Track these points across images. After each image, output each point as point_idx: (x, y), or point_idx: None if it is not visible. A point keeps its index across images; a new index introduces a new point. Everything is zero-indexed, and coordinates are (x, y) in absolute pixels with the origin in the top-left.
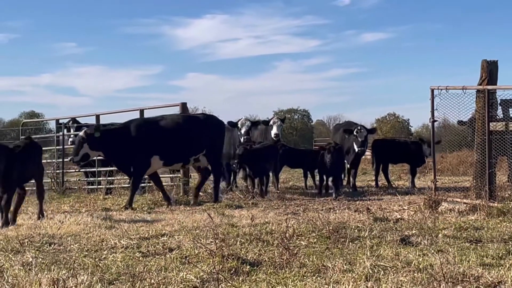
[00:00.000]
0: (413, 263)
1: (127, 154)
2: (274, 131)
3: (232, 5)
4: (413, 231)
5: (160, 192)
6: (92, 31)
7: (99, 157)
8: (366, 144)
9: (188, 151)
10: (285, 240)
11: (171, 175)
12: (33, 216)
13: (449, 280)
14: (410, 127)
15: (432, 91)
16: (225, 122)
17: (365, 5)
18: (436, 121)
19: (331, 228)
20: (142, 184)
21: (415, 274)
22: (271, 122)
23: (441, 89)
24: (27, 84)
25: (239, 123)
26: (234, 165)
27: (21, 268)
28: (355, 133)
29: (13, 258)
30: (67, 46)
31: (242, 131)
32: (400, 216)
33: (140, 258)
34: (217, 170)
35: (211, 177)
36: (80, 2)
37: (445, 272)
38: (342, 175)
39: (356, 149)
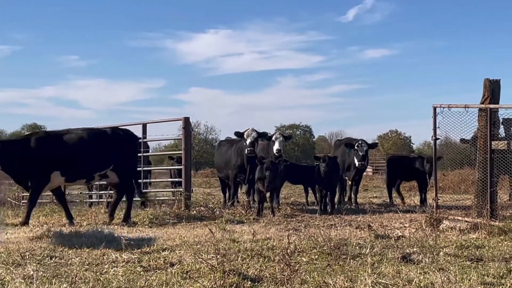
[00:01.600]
0: (414, 281)
1: (26, 168)
2: (276, 146)
3: (236, 20)
4: (414, 249)
5: (158, 208)
6: (95, 44)
7: None
8: (367, 159)
9: (92, 167)
10: (287, 256)
11: (172, 189)
12: (34, 228)
13: None
14: (412, 144)
15: (435, 109)
16: (232, 134)
17: (368, 21)
18: (438, 139)
19: (332, 244)
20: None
21: None
22: (273, 138)
23: (444, 107)
24: (29, 97)
25: (245, 133)
26: (240, 178)
27: (22, 281)
28: (356, 147)
29: (14, 271)
30: (70, 59)
31: (247, 141)
32: (401, 234)
33: (141, 272)
34: (124, 187)
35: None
36: (83, 15)
37: None
38: (344, 192)
39: (357, 164)
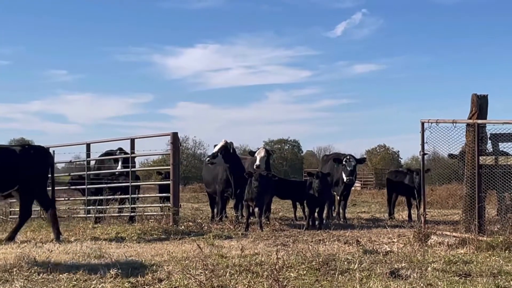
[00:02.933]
0: None
1: None
2: (256, 162)
3: (224, 34)
4: (403, 264)
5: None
6: (83, 58)
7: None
8: (355, 174)
9: None
10: (275, 272)
11: (160, 205)
12: (22, 244)
13: None
14: (400, 159)
15: (423, 124)
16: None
17: (356, 36)
18: (426, 154)
19: (320, 260)
20: (132, 214)
21: None
22: (256, 153)
23: (432, 122)
24: (16, 111)
25: (216, 146)
26: (227, 193)
27: None
28: (344, 162)
29: (1, 287)
30: (58, 73)
31: (214, 151)
32: (389, 249)
33: None
34: (25, 208)
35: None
36: (71, 30)
37: None
38: (332, 207)
39: (345, 179)
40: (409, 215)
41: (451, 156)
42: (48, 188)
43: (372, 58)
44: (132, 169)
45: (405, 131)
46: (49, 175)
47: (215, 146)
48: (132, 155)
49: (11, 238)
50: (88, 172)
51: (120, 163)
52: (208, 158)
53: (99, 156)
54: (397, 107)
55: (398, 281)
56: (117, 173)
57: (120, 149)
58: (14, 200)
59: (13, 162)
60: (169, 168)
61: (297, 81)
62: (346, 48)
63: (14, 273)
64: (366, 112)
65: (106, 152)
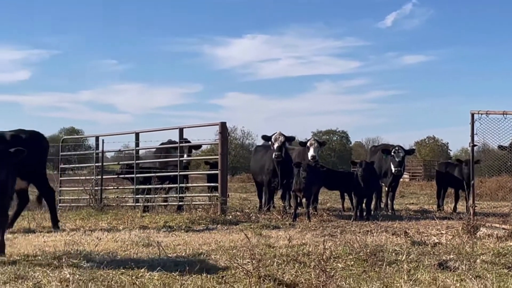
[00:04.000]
0: None
1: None
2: (311, 153)
3: (273, 25)
4: (451, 256)
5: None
6: (134, 48)
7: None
8: (404, 165)
9: None
10: (322, 262)
11: (208, 194)
12: (71, 232)
13: None
14: (449, 150)
15: (472, 115)
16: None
17: (406, 27)
18: (475, 145)
19: (368, 251)
20: (180, 203)
21: None
22: (308, 144)
23: (481, 114)
24: (67, 101)
25: (273, 138)
26: (274, 184)
27: (59, 284)
28: (392, 154)
29: (50, 274)
30: (108, 63)
31: (275, 146)
32: (438, 241)
33: (177, 277)
34: (43, 192)
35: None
36: (122, 20)
37: None
38: (380, 198)
39: (394, 170)
40: (454, 208)
41: (501, 147)
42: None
43: (422, 49)
44: (181, 159)
45: (455, 123)
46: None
47: (264, 137)
48: (181, 144)
49: (55, 225)
50: (136, 161)
51: (186, 152)
52: (276, 153)
53: (161, 145)
54: (447, 98)
55: (446, 273)
56: (184, 162)
57: (185, 139)
58: (64, 189)
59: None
60: (217, 158)
61: (346, 72)
62: (396, 39)
63: (63, 260)
64: (415, 104)
65: (169, 141)
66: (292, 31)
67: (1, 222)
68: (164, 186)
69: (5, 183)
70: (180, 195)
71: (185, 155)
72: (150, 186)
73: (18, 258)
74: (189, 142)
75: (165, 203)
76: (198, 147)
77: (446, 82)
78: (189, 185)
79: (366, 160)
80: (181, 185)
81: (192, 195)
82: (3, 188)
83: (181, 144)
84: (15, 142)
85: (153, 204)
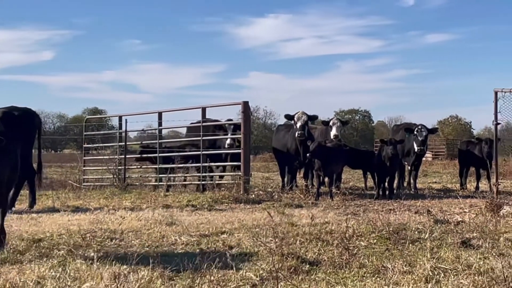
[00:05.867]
0: (473, 266)
1: None
2: (333, 132)
3: (296, 4)
4: (474, 234)
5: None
6: (157, 28)
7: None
8: (427, 144)
9: None
10: (345, 240)
11: (232, 173)
12: (95, 211)
13: (511, 284)
14: (472, 129)
15: (496, 93)
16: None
17: (430, 6)
18: (499, 123)
19: (391, 229)
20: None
21: (476, 277)
22: (330, 123)
23: (505, 92)
24: (90, 81)
25: (295, 116)
26: (297, 163)
27: (83, 262)
28: (415, 132)
29: (75, 252)
30: (132, 43)
31: (298, 125)
32: (461, 219)
33: (200, 254)
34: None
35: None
36: (144, 0)
37: (506, 276)
38: (403, 177)
39: (416, 149)
40: (477, 186)
41: None
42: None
43: (445, 27)
44: (204, 138)
45: (479, 102)
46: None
47: (286, 116)
48: (203, 123)
49: (31, 206)
50: (160, 141)
51: (230, 132)
52: (299, 132)
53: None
54: (471, 77)
55: (470, 251)
56: (227, 145)
57: (230, 120)
58: (87, 168)
59: None
60: (240, 137)
61: (369, 51)
62: (419, 18)
63: (88, 239)
64: (438, 83)
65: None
66: (315, 10)
67: None
68: (187, 165)
69: None
70: (203, 174)
71: (229, 134)
72: (172, 166)
73: (43, 236)
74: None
75: (188, 182)
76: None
77: (470, 61)
78: (213, 164)
79: (393, 138)
80: (204, 164)
81: (215, 174)
82: None
83: (225, 123)
84: (7, 119)
85: (176, 183)
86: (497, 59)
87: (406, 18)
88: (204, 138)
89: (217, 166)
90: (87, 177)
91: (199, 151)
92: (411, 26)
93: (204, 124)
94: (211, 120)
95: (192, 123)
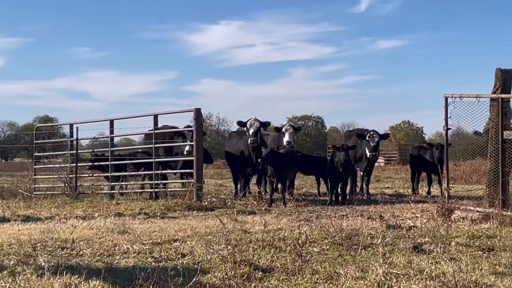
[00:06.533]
0: (425, 271)
1: None
2: (286, 138)
3: (248, 11)
4: (426, 239)
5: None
6: (108, 36)
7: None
8: (379, 150)
9: None
10: (298, 247)
11: (183, 181)
12: (46, 220)
13: None
14: (423, 134)
15: (446, 99)
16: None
17: (381, 12)
18: (449, 129)
19: (343, 235)
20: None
21: (428, 282)
22: (283, 129)
23: (455, 97)
24: (41, 89)
25: (248, 123)
26: (250, 170)
27: (34, 272)
28: (367, 138)
29: (25, 262)
30: (82, 50)
31: (250, 131)
32: (413, 224)
33: (153, 263)
34: None
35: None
36: (96, 7)
37: (457, 280)
38: (355, 183)
39: (368, 154)
40: (429, 191)
41: (476, 133)
42: None
43: (396, 33)
44: (156, 145)
45: (430, 107)
46: None
47: (239, 123)
48: (162, 130)
49: None
50: (112, 149)
51: (188, 140)
52: (252, 139)
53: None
54: (422, 83)
55: (421, 256)
56: (186, 152)
57: (189, 126)
58: (38, 177)
59: None
60: (193, 144)
61: (321, 57)
62: (370, 24)
63: (38, 248)
64: (390, 88)
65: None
66: (267, 17)
67: None
68: (139, 173)
69: None
70: (156, 181)
71: (188, 141)
72: (124, 173)
73: None
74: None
75: (141, 190)
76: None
77: (420, 67)
78: (165, 171)
79: (346, 144)
80: (156, 172)
81: (168, 181)
82: None
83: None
84: None
85: (129, 191)
86: (447, 64)
87: (358, 25)
88: (161, 145)
89: (173, 173)
90: (38, 186)
91: (156, 158)
92: (363, 33)
93: (162, 131)
94: (169, 127)
95: (149, 130)
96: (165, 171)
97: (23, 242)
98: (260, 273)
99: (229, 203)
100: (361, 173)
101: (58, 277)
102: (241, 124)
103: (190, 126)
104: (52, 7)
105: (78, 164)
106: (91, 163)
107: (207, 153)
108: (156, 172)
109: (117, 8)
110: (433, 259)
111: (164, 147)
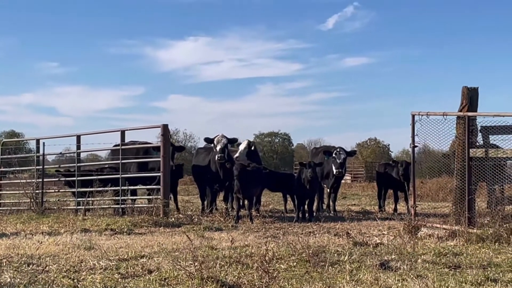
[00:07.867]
0: None
1: None
2: (236, 154)
3: (216, 27)
4: (393, 256)
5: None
6: (75, 51)
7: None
8: (345, 167)
9: None
10: (265, 263)
11: (149, 197)
12: (11, 236)
13: None
14: (390, 152)
15: (413, 116)
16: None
17: (348, 29)
18: (416, 146)
19: (310, 251)
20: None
21: None
22: (215, 141)
23: (422, 115)
24: (7, 103)
25: (215, 140)
26: (216, 186)
27: None
28: (334, 155)
29: None
30: (49, 65)
31: (218, 148)
32: (379, 241)
33: (119, 279)
34: None
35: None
36: (63, 22)
37: None
38: (322, 199)
39: (335, 171)
40: (395, 209)
41: (444, 156)
42: None
43: (364, 51)
44: (123, 161)
45: (396, 124)
46: None
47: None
48: (123, 146)
49: None
50: (78, 164)
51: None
52: (219, 155)
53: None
54: (388, 100)
55: (388, 273)
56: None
57: (172, 144)
58: (4, 192)
59: None
60: (159, 160)
61: (288, 74)
62: (338, 41)
63: (4, 264)
64: (357, 106)
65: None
66: (234, 33)
67: None
68: (106, 189)
69: None
70: (123, 197)
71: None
72: (91, 189)
73: None
74: (172, 144)
75: (107, 206)
76: (181, 148)
77: (387, 84)
78: (132, 187)
79: (313, 161)
80: (123, 187)
81: (134, 197)
82: None
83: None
84: None
85: (95, 207)
86: (414, 82)
87: (325, 42)
88: (132, 161)
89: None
90: (3, 201)
91: (123, 173)
92: (330, 50)
93: (134, 146)
94: (139, 142)
95: (115, 145)
96: (134, 187)
97: None
98: None
99: (196, 219)
100: (328, 190)
101: None
102: (209, 140)
103: (173, 144)
104: (20, 21)
105: (45, 180)
106: (64, 179)
107: (181, 168)
108: (123, 188)
109: (84, 23)
110: (399, 276)
111: (138, 162)
